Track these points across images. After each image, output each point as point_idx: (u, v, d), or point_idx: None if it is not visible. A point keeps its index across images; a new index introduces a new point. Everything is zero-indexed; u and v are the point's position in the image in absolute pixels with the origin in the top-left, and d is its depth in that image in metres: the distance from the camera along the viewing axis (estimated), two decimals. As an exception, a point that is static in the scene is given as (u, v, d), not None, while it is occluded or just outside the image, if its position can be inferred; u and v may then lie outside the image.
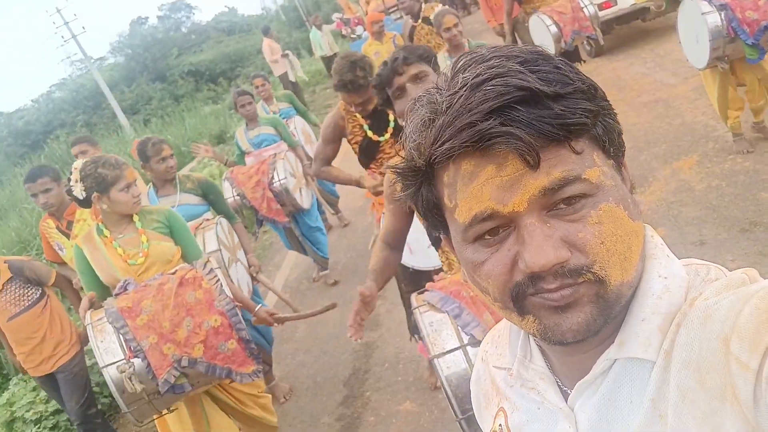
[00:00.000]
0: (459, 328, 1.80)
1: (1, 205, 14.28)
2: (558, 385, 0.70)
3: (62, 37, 27.69)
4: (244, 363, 2.43)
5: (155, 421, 2.67)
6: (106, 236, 2.64)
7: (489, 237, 0.60)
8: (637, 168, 4.62)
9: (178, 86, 31.33)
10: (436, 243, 2.34)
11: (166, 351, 2.29)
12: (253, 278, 3.73)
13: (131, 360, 2.26)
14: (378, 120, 2.96)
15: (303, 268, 5.74)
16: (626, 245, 0.58)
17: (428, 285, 1.97)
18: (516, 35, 7.15)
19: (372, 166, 3.17)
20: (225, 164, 5.48)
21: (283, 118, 5.72)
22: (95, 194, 2.54)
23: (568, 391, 0.68)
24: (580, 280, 0.56)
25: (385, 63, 2.11)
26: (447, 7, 5.53)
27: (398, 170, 0.65)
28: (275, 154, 4.96)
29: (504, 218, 0.58)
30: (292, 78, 11.87)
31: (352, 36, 14.49)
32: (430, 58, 2.12)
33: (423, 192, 0.64)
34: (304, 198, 4.98)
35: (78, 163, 2.60)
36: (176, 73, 32.38)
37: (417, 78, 2.05)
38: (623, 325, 0.62)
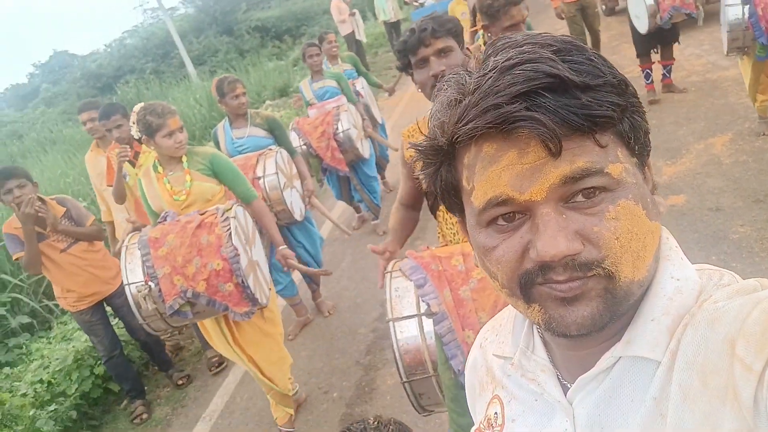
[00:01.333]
0: (420, 297, 1.85)
1: (77, 140, 15.28)
2: (558, 378, 0.70)
3: (138, -16, 28.43)
4: (239, 303, 2.79)
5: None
6: (159, 172, 3.03)
7: (504, 223, 0.60)
8: (673, 141, 4.90)
9: (244, 41, 31.87)
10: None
11: (175, 282, 2.68)
12: (307, 204, 4.21)
13: (147, 283, 2.67)
14: None
15: (346, 217, 6.21)
16: (641, 244, 0.58)
17: (408, 253, 2.00)
18: (583, 20, 6.89)
19: None
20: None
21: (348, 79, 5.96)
22: (144, 137, 2.96)
23: (568, 385, 0.68)
24: (589, 273, 0.56)
25: (412, 30, 2.05)
26: None
27: (420, 148, 0.65)
28: (338, 106, 5.28)
29: (520, 205, 0.58)
30: (358, 37, 12.10)
31: (415, 3, 13.59)
32: (458, 33, 2.08)
33: (442, 172, 0.64)
34: (365, 148, 5.40)
35: (137, 107, 3.01)
36: (243, 27, 32.89)
37: (442, 52, 2.02)
38: (632, 323, 0.61)
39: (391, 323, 1.90)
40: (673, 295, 0.60)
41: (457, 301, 1.79)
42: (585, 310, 0.57)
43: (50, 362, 4.39)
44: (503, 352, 0.77)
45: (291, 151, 4.21)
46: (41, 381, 4.22)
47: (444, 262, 1.88)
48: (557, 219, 0.56)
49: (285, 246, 3.16)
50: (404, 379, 1.91)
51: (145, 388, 4.31)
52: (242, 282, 2.76)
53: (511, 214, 0.59)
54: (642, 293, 0.61)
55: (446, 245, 2.16)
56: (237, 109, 4.00)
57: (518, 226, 0.59)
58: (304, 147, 5.17)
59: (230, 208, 2.89)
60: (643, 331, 0.60)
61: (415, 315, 1.87)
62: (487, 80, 0.56)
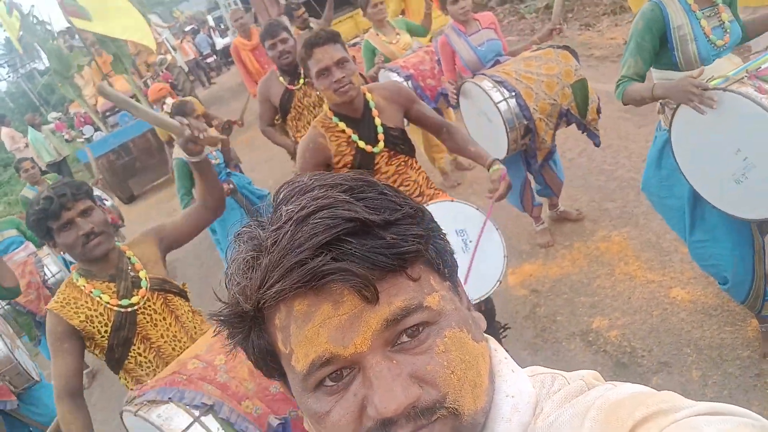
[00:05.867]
0: (186, 406, 1.81)
1: None
2: None
3: None
4: None
5: None
6: None
7: (332, 383, 0.55)
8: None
9: None
10: None
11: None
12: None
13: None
14: (365, 127, 2.46)
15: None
16: (475, 371, 0.57)
17: (136, 389, 1.89)
18: None
19: None
20: None
21: None
22: None
23: None
24: (433, 418, 0.54)
25: (48, 198, 2.00)
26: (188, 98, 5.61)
27: (222, 318, 0.59)
28: (35, 252, 4.80)
29: (346, 361, 0.54)
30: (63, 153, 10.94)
31: (80, 140, 11.43)
32: (92, 194, 2.13)
33: (253, 338, 0.59)
34: None
35: None
36: None
37: (85, 213, 2.04)
38: None
39: None
40: (510, 415, 0.58)
41: (220, 387, 1.85)
42: None
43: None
44: None
45: None
46: None
47: (183, 371, 1.89)
48: (389, 367, 0.53)
49: None
50: None
51: None
52: None
53: (338, 371, 0.55)
54: (485, 420, 0.58)
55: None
56: None
57: (348, 383, 0.55)
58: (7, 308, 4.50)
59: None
60: None
61: (193, 421, 1.80)
62: (285, 234, 0.53)
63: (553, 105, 3.45)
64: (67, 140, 13.07)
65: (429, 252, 0.58)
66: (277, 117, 4.27)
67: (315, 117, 3.71)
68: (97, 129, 10.57)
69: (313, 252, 0.51)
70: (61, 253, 2.10)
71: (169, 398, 1.81)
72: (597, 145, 3.71)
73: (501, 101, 3.39)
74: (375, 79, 4.98)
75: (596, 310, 3.25)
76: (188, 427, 1.81)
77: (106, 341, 2.08)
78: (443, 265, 0.61)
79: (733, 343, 2.70)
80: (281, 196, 0.59)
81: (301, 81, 3.97)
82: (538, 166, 3.69)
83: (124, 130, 10.15)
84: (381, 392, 0.52)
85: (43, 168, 9.70)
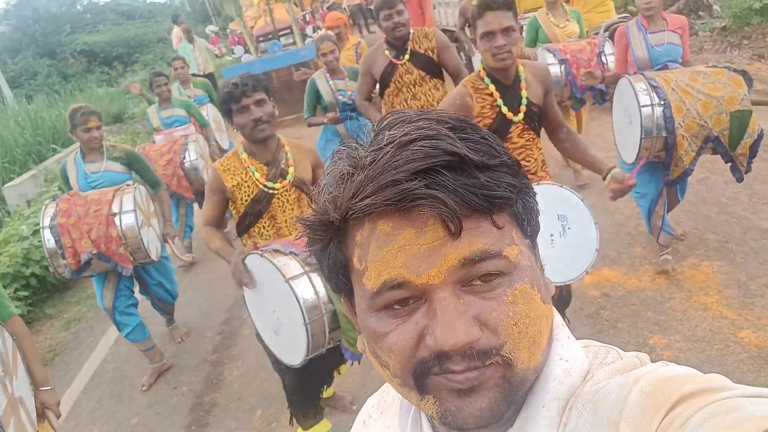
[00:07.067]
0: (301, 261, 2.32)
1: None
2: None
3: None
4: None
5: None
6: None
7: (398, 307, 0.57)
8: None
9: (68, 64, 30.00)
10: None
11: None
12: (166, 241, 4.08)
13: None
14: (512, 96, 2.57)
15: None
16: (537, 328, 0.57)
17: (258, 245, 2.49)
18: None
19: None
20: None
21: (198, 104, 6.15)
22: None
23: None
24: (487, 362, 0.54)
25: (235, 84, 2.45)
26: (329, 32, 5.73)
27: (308, 222, 0.61)
28: (186, 135, 5.37)
29: (416, 289, 0.55)
30: (202, 67, 11.64)
31: (229, 58, 11.81)
32: (270, 89, 2.57)
33: (332, 250, 0.61)
34: None
35: None
36: (67, 50, 30.99)
37: (259, 102, 2.47)
38: (523, 409, 0.60)
39: (287, 282, 2.24)
40: (563, 378, 0.59)
41: None
42: (483, 401, 0.55)
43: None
44: None
45: (153, 185, 4.09)
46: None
47: (292, 243, 2.43)
48: (455, 304, 0.54)
49: (48, 388, 2.51)
50: (307, 321, 2.24)
51: None
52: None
53: (406, 299, 0.56)
54: (535, 378, 0.60)
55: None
56: (89, 143, 3.80)
57: (413, 310, 0.56)
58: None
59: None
60: (534, 417, 0.59)
61: (303, 273, 2.30)
62: (384, 155, 0.54)
63: (702, 127, 3.29)
64: (217, 56, 13.27)
65: (517, 205, 0.58)
66: (374, 91, 4.22)
67: (413, 96, 3.89)
68: (247, 51, 10.77)
69: (408, 175, 0.52)
70: (235, 130, 2.56)
71: (291, 251, 2.36)
72: (739, 180, 3.49)
73: (646, 106, 3.33)
74: (530, 57, 4.97)
75: (659, 328, 3.26)
76: (299, 276, 2.30)
77: (243, 207, 2.59)
78: (528, 222, 0.61)
79: (784, 396, 2.65)
80: (385, 122, 0.61)
81: (406, 57, 3.89)
82: (676, 179, 3.51)
83: (271, 59, 10.05)
84: (443, 325, 0.53)
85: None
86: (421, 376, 0.56)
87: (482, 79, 2.56)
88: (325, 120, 4.75)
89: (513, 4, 2.44)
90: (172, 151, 5.23)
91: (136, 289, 4.10)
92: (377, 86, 4.13)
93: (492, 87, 2.54)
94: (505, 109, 2.55)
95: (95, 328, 5.12)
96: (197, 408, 3.66)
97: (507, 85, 2.55)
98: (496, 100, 2.55)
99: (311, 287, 2.30)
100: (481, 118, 2.56)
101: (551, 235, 2.46)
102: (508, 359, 0.55)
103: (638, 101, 3.33)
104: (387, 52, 3.96)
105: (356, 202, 0.55)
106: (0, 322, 2.37)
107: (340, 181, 0.57)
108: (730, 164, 3.41)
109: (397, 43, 3.89)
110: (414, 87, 3.94)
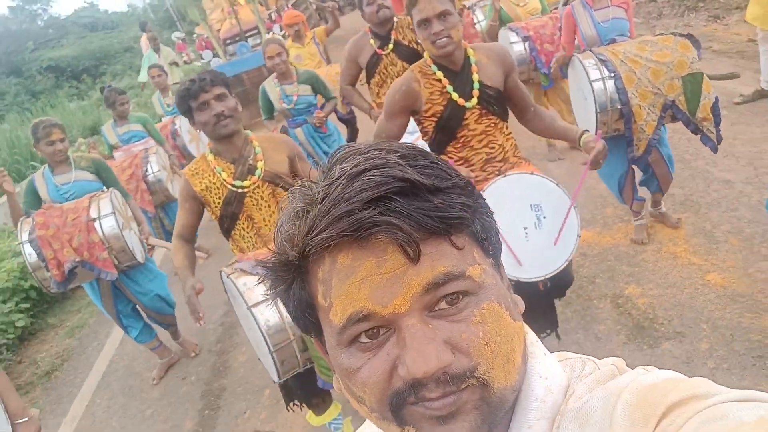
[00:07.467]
0: None
1: None
2: None
3: None
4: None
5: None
6: None
7: (367, 340, 0.57)
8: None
9: (35, 82, 29.71)
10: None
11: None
12: (146, 243, 4.00)
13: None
14: (462, 81, 2.47)
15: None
16: (509, 346, 0.57)
17: (238, 256, 2.40)
18: None
19: (451, 145, 2.60)
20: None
21: (175, 113, 6.11)
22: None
23: None
24: (463, 386, 0.54)
25: (192, 80, 2.39)
26: (274, 35, 5.54)
27: (268, 264, 0.62)
28: (146, 148, 5.24)
29: (383, 320, 0.55)
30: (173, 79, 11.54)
31: (198, 63, 11.48)
32: (228, 83, 2.46)
33: (295, 290, 0.61)
34: (175, 188, 5.23)
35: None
36: (33, 68, 30.66)
37: (219, 97, 2.38)
38: (509, 431, 0.59)
39: (249, 310, 2.15)
40: (544, 396, 0.59)
41: None
42: (463, 426, 0.55)
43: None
44: None
45: (123, 193, 4.03)
46: None
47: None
48: (424, 330, 0.54)
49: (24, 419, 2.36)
50: (272, 350, 2.18)
51: None
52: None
53: (374, 330, 0.56)
54: (514, 399, 0.59)
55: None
56: (54, 156, 3.76)
57: (383, 342, 0.56)
58: None
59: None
60: None
61: (269, 297, 2.35)
62: (336, 187, 0.55)
63: (656, 94, 3.30)
64: (185, 62, 13.03)
65: (475, 225, 0.59)
66: (361, 79, 4.18)
67: None
68: (215, 55, 10.68)
69: (362, 205, 0.53)
70: (199, 131, 2.49)
71: (257, 272, 2.15)
72: (714, 150, 3.39)
73: (597, 80, 3.34)
74: (494, 37, 5.01)
75: (633, 279, 3.51)
76: (263, 301, 2.17)
77: (218, 211, 2.51)
78: (488, 241, 0.61)
79: (749, 327, 2.90)
80: (336, 157, 0.61)
81: (390, 47, 3.87)
82: (644, 154, 3.48)
83: (241, 61, 9.95)
84: (414, 353, 0.53)
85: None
86: (397, 407, 0.56)
87: (429, 66, 2.49)
88: (272, 129, 4.68)
89: None
90: (133, 165, 5.08)
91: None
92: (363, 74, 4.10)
93: (440, 73, 2.46)
94: (455, 96, 2.45)
95: (99, 332, 5.28)
96: (207, 394, 3.85)
97: (455, 70, 2.46)
98: (445, 87, 2.46)
99: (276, 312, 2.21)
100: (431, 105, 2.49)
101: (525, 229, 2.41)
102: (483, 380, 0.55)
103: (588, 76, 3.37)
104: (372, 42, 3.92)
105: (312, 237, 0.55)
106: None
107: (294, 219, 0.58)
108: (699, 135, 3.38)
109: (381, 32, 3.87)
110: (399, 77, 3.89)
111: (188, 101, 2.37)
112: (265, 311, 2.19)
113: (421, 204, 0.54)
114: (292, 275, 0.60)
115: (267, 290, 1.75)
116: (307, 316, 0.62)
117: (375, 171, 0.55)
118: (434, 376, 0.53)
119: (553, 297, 2.91)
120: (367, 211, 0.53)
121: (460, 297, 0.56)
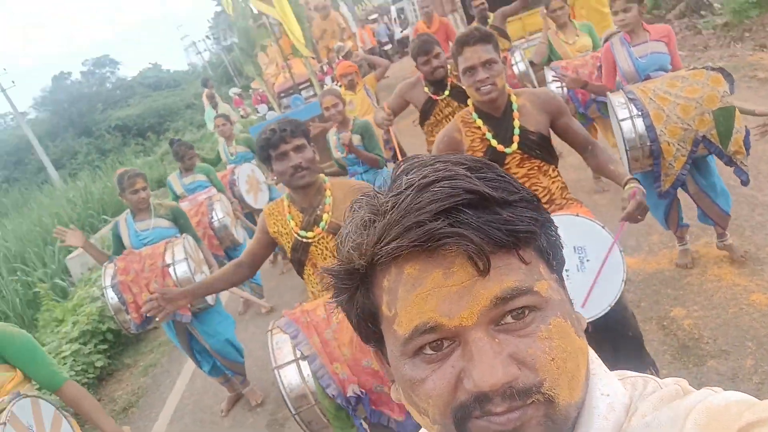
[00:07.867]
0: (294, 345, 2.15)
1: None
2: None
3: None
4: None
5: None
6: None
7: (431, 351, 0.56)
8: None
9: (104, 140, 31.55)
10: None
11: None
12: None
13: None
14: (503, 128, 2.53)
15: (230, 299, 6.47)
16: (575, 363, 0.56)
17: (284, 312, 2.33)
18: None
19: None
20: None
21: (241, 161, 6.43)
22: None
23: None
24: (528, 401, 0.54)
25: (273, 130, 2.40)
26: (331, 86, 5.67)
27: (332, 272, 0.61)
28: (210, 196, 5.51)
29: (449, 332, 0.55)
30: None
31: (254, 117, 11.70)
32: (307, 134, 2.51)
33: (358, 298, 0.61)
34: (239, 234, 5.61)
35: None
36: (102, 127, 32.60)
37: (298, 149, 2.41)
38: None
39: (275, 370, 2.17)
40: (607, 413, 0.57)
41: (323, 342, 2.17)
42: None
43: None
44: None
45: (196, 239, 4.27)
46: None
47: (311, 314, 2.27)
48: (491, 344, 0.54)
49: None
50: (294, 412, 2.18)
51: None
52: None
53: (439, 341, 0.55)
54: (576, 416, 0.58)
55: (315, 299, 2.53)
56: (138, 204, 4.05)
57: (448, 354, 0.56)
58: None
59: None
60: None
61: (293, 360, 2.15)
62: (405, 198, 0.55)
63: (686, 130, 3.30)
64: (242, 116, 13.46)
65: (541, 239, 0.59)
66: (414, 120, 4.27)
67: None
68: (270, 108, 10.87)
69: (431, 216, 0.53)
70: (274, 178, 2.63)
71: (289, 333, 2.21)
72: (744, 183, 3.41)
73: (625, 119, 3.38)
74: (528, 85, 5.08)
75: (678, 301, 3.59)
76: (289, 363, 2.18)
77: (289, 254, 2.58)
78: (553, 256, 0.61)
79: (795, 345, 2.97)
80: (401, 168, 0.61)
81: (446, 93, 3.95)
82: (671, 189, 3.51)
83: (294, 114, 9.93)
84: (481, 366, 0.53)
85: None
86: (461, 420, 0.55)
87: (470, 114, 2.57)
88: None
89: (491, 37, 2.44)
90: (200, 213, 5.32)
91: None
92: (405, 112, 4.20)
93: (479, 121, 2.54)
94: (494, 142, 2.51)
95: (171, 371, 5.62)
96: (273, 423, 4.09)
97: (497, 117, 2.52)
98: (484, 134, 2.53)
99: (299, 375, 2.18)
100: (472, 152, 2.51)
101: (566, 270, 2.20)
102: (549, 396, 0.54)
103: (616, 116, 3.42)
104: (426, 89, 4.01)
105: (382, 247, 0.55)
106: (45, 392, 2.40)
107: (362, 228, 0.58)
108: (733, 168, 3.39)
109: (436, 81, 3.96)
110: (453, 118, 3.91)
111: (268, 150, 2.41)
112: (288, 374, 2.19)
113: (491, 217, 0.54)
114: (356, 284, 0.60)
115: (296, 344, 1.96)
116: (369, 325, 0.62)
117: (444, 182, 0.55)
118: (500, 390, 0.53)
119: (605, 339, 2.72)
120: (437, 222, 0.53)
121: (527, 312, 0.56)
